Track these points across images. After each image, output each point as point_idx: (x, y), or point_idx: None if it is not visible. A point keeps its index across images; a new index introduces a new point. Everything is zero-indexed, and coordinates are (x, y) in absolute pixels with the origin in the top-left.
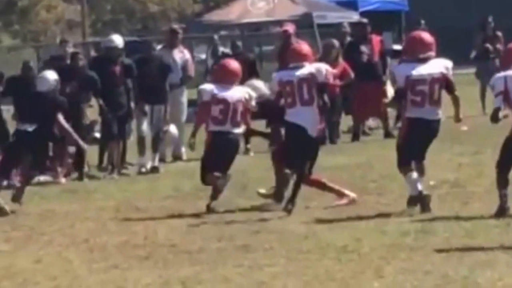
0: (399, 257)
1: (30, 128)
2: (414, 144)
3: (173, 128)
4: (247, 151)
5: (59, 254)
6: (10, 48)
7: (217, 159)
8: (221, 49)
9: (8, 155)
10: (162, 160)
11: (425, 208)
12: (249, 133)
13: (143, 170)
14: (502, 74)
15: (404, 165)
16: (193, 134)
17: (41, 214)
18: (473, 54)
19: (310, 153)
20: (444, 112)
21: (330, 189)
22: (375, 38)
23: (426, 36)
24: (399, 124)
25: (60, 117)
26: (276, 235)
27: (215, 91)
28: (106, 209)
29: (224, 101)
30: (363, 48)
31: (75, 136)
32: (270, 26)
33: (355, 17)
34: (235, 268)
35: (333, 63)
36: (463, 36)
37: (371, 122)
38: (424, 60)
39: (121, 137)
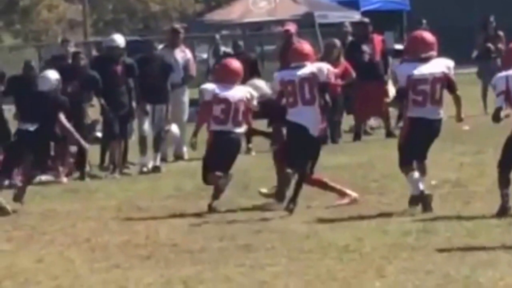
0: (400, 256)
1: (31, 127)
2: (415, 144)
3: (174, 128)
4: (248, 150)
5: (61, 254)
6: (11, 48)
7: (219, 158)
8: (223, 48)
9: (9, 155)
10: (163, 159)
11: (427, 207)
12: (251, 133)
13: (145, 169)
14: (503, 73)
15: (405, 164)
16: (195, 134)
17: (43, 214)
18: (474, 53)
19: (311, 153)
20: (446, 111)
21: (332, 189)
22: (377, 38)
23: (428, 36)
24: (401, 124)
25: (62, 117)
26: (278, 235)
27: (217, 90)
28: (108, 208)
29: (225, 101)
30: (365, 48)
31: (77, 135)
32: (272, 26)
33: (356, 16)
34: (236, 267)
35: (334, 63)
36: (464, 35)
37: (372, 121)
38: (426, 60)
39: (122, 136)
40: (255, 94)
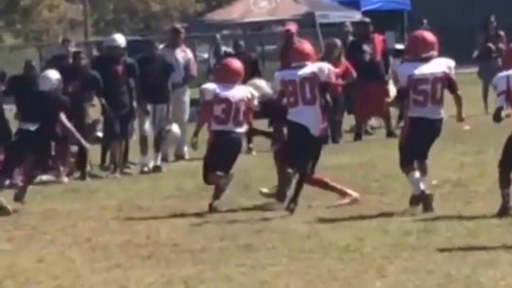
0: (401, 256)
1: (32, 127)
2: (416, 144)
3: (175, 128)
4: (249, 150)
5: (62, 254)
6: (12, 48)
7: (220, 158)
8: (223, 48)
9: (10, 155)
10: (164, 159)
11: (427, 207)
12: (252, 133)
13: (146, 169)
14: (504, 73)
15: (406, 164)
16: (196, 134)
17: (44, 213)
18: (475, 53)
19: (312, 153)
20: (447, 111)
21: (332, 188)
22: (378, 38)
23: (429, 36)
24: (402, 124)
25: (63, 117)
26: (279, 235)
27: (218, 90)
28: (109, 208)
29: (226, 101)
30: (366, 48)
31: (78, 135)
32: (273, 26)
33: (357, 16)
34: (237, 267)
35: (335, 63)
36: (465, 35)
37: (373, 121)
38: (427, 60)
39: (123, 136)
40: (256, 94)
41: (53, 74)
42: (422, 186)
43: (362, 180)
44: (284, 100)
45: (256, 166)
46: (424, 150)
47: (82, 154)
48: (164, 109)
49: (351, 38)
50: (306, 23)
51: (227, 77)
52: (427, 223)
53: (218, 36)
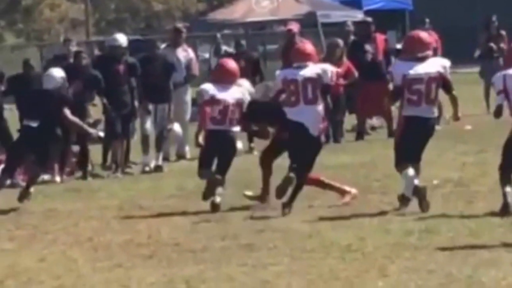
0: (403, 256)
1: (34, 124)
2: (410, 142)
3: (177, 127)
4: (250, 150)
5: (63, 253)
6: (13, 47)
7: (213, 156)
8: (224, 48)
9: (12, 154)
10: (166, 159)
11: (423, 201)
12: (246, 129)
13: (147, 169)
14: (501, 72)
15: (400, 162)
16: (197, 135)
17: (45, 213)
18: (477, 53)
19: (312, 152)
20: (447, 111)
21: (330, 187)
22: (379, 37)
23: (424, 35)
24: None
25: (67, 111)
26: (280, 234)
27: (215, 91)
28: (110, 208)
29: (223, 102)
30: (367, 47)
31: (85, 126)
32: (274, 25)
33: (359, 16)
34: (239, 267)
35: (337, 62)
36: (467, 35)
37: (375, 121)
38: (422, 59)
39: (124, 136)
40: (248, 97)
41: (58, 73)
42: (416, 181)
43: (363, 180)
44: (281, 98)
45: (257, 166)
46: (419, 150)
47: (84, 153)
48: (166, 108)
49: (352, 37)
50: (308, 22)
51: (223, 78)
52: (429, 223)
53: (218, 35)
